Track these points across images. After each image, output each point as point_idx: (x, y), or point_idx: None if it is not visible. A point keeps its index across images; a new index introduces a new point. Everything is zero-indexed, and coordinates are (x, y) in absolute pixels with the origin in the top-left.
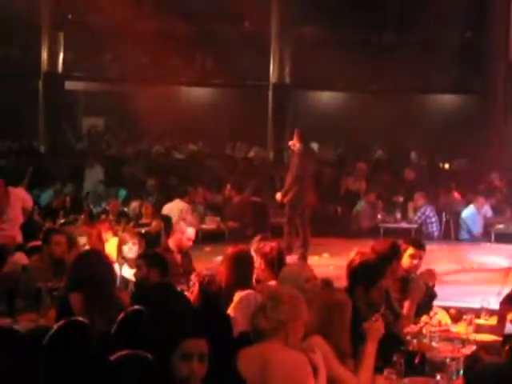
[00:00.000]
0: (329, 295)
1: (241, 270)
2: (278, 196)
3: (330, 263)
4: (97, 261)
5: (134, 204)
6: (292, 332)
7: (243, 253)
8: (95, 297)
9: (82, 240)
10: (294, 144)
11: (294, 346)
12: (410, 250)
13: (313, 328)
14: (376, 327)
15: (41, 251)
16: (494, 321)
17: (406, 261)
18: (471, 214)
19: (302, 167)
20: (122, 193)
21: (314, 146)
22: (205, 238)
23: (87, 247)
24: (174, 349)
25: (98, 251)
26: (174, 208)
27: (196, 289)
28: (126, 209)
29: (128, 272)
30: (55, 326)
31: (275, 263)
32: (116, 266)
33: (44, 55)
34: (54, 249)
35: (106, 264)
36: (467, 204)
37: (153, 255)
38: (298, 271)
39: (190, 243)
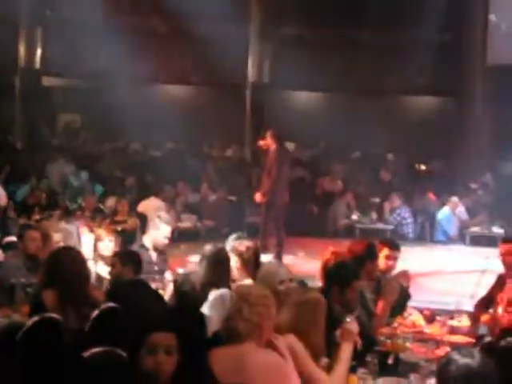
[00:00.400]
0: (303, 294)
1: (216, 268)
2: (258, 196)
3: (305, 262)
4: (71, 258)
5: (110, 201)
6: (266, 332)
7: (219, 252)
8: (69, 294)
9: (57, 236)
10: (268, 144)
11: (263, 344)
12: (386, 251)
13: (287, 327)
14: (351, 328)
15: (16, 247)
16: (467, 322)
17: (381, 262)
18: (446, 215)
19: (278, 167)
20: (99, 189)
21: (290, 145)
22: (181, 236)
23: (62, 243)
24: (142, 344)
25: (72, 248)
26: (149, 205)
27: (171, 288)
28: (101, 205)
29: (103, 269)
30: (29, 322)
31: (251, 262)
32: (91, 263)
33: (21, 51)
34: (28, 245)
35: (80, 261)
36: (442, 205)
37: (127, 253)
38: (274, 271)
39: (166, 241)
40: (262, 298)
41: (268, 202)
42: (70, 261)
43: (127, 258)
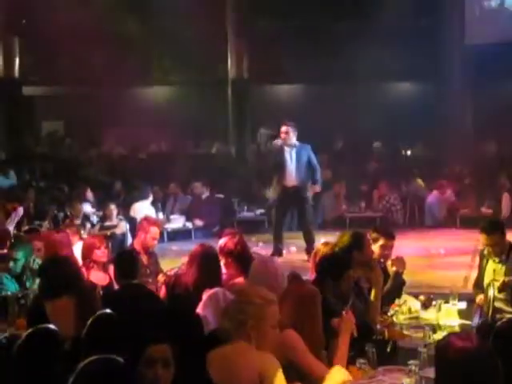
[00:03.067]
0: (298, 288)
1: (207, 268)
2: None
3: (297, 256)
4: (64, 266)
5: (97, 207)
6: (255, 332)
7: (209, 251)
8: (65, 303)
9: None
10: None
11: (263, 349)
12: (381, 241)
13: (285, 322)
14: (347, 319)
15: (6, 259)
16: (462, 305)
17: (377, 251)
18: (435, 199)
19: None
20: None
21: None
22: (171, 238)
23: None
24: (138, 355)
25: (66, 256)
26: (138, 209)
27: (163, 290)
28: (90, 212)
29: (96, 276)
30: (24, 335)
31: (241, 258)
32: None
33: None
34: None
35: (75, 269)
36: (431, 190)
37: (122, 256)
38: (265, 267)
39: (155, 242)
40: (254, 297)
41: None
42: (66, 270)
43: (121, 261)
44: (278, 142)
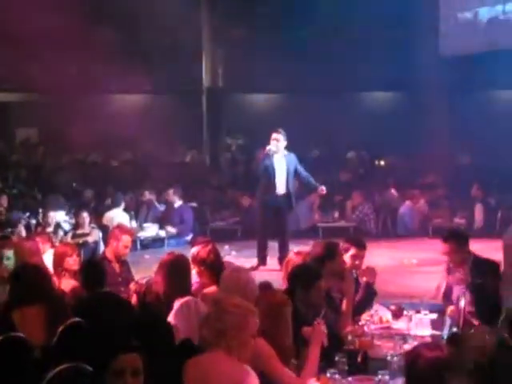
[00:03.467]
0: (269, 297)
1: (177, 276)
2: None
3: (269, 264)
4: (37, 274)
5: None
6: (235, 342)
7: (178, 259)
8: (35, 311)
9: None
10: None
11: (242, 358)
12: (352, 251)
13: (257, 330)
14: (318, 330)
15: None
16: (433, 316)
17: (348, 261)
18: (408, 209)
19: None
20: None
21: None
22: (144, 246)
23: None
24: (107, 364)
25: (35, 265)
26: (111, 217)
27: (134, 298)
28: (62, 219)
29: (67, 284)
30: None
31: (214, 267)
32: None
33: None
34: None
35: (45, 277)
36: (404, 200)
37: (89, 265)
38: (237, 276)
39: (127, 251)
40: (232, 307)
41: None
42: (34, 278)
43: (88, 270)
44: (270, 149)
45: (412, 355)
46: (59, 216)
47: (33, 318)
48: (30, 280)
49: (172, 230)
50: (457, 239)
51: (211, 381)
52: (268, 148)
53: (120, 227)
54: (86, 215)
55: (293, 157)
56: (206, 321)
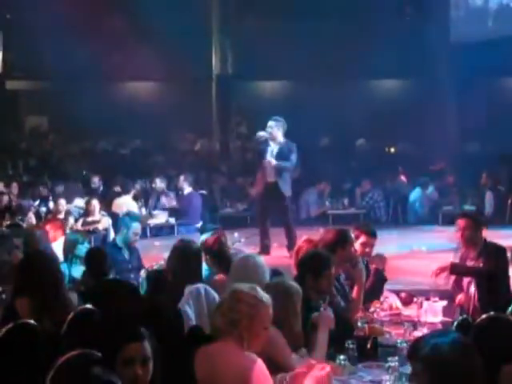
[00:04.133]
0: (279, 284)
1: (188, 263)
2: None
3: (279, 252)
4: (43, 262)
5: (80, 201)
6: (247, 333)
7: (190, 246)
8: (43, 299)
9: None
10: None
11: (253, 349)
12: (363, 238)
13: None
14: (325, 316)
15: None
16: (443, 302)
17: (358, 248)
18: (418, 196)
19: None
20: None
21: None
22: (154, 233)
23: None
24: (116, 353)
25: (43, 252)
26: (120, 204)
27: (145, 285)
28: (73, 206)
29: (78, 271)
30: (3, 330)
31: (219, 256)
32: (65, 266)
33: None
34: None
35: (53, 265)
36: (414, 187)
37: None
38: (245, 263)
39: (137, 238)
40: (246, 296)
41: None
42: (41, 266)
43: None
44: (262, 135)
45: (417, 342)
46: (77, 203)
47: (23, 307)
48: (31, 270)
49: (182, 217)
50: (474, 218)
51: (219, 369)
52: (258, 135)
53: (130, 214)
54: (95, 202)
55: (291, 146)
56: (219, 309)
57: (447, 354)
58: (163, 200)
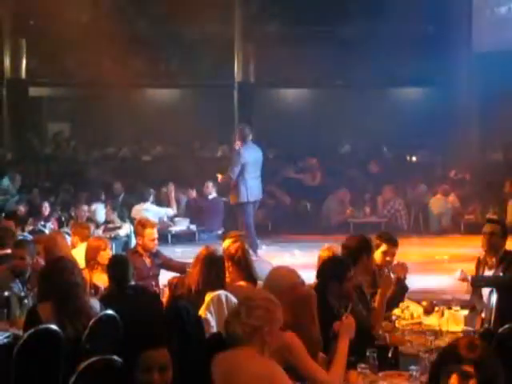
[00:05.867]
0: (294, 289)
1: (213, 271)
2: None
3: (300, 260)
4: (65, 268)
5: (100, 208)
6: (269, 336)
7: (215, 254)
8: (64, 305)
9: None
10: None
11: (270, 351)
12: (384, 247)
13: (285, 324)
14: (347, 324)
15: (10, 259)
16: (465, 311)
17: (378, 257)
18: (439, 205)
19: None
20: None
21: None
22: (175, 240)
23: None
24: (135, 359)
25: (65, 258)
26: (138, 210)
27: (166, 292)
28: (94, 213)
29: (100, 278)
30: (25, 335)
31: (241, 263)
32: (86, 273)
33: (6, 62)
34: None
35: (74, 271)
36: (435, 196)
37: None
38: (283, 275)
39: (154, 243)
40: (262, 301)
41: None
42: (64, 272)
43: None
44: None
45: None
46: (99, 209)
47: (45, 313)
48: (53, 276)
49: (203, 224)
50: (502, 225)
51: (240, 378)
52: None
53: (142, 223)
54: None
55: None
56: (236, 318)
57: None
58: (184, 207)
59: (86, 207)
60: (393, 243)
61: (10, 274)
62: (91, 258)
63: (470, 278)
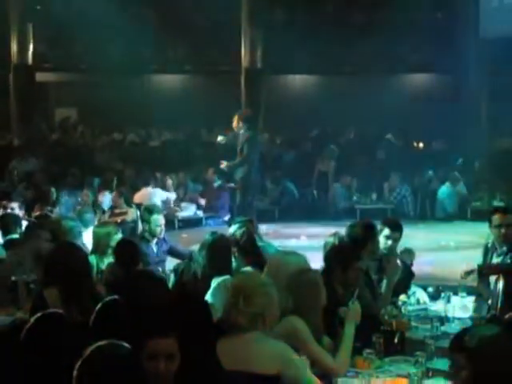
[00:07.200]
0: (299, 274)
1: (217, 256)
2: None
3: (307, 246)
4: (71, 253)
5: (107, 193)
6: (271, 318)
7: (221, 239)
8: (71, 290)
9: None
10: (236, 126)
11: (271, 329)
12: (386, 231)
13: (288, 308)
14: (353, 309)
15: (19, 245)
16: (471, 298)
17: (381, 241)
18: (446, 192)
19: (248, 149)
20: (95, 182)
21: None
22: (182, 226)
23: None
24: (142, 346)
25: (72, 243)
26: (144, 196)
27: (172, 277)
28: (99, 198)
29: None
30: (32, 319)
31: (247, 249)
32: (92, 258)
33: (13, 47)
34: (37, 243)
35: (81, 256)
36: (442, 182)
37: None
38: (291, 260)
39: (160, 229)
40: (258, 288)
41: (243, 185)
42: (70, 257)
43: (121, 249)
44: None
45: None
46: (105, 194)
47: (51, 298)
48: (59, 261)
49: (209, 210)
50: None
51: (251, 359)
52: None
53: (148, 209)
54: (122, 194)
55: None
56: (235, 308)
57: (496, 346)
58: (191, 192)
59: (91, 192)
60: (395, 227)
61: (18, 258)
62: (104, 243)
63: (476, 266)
